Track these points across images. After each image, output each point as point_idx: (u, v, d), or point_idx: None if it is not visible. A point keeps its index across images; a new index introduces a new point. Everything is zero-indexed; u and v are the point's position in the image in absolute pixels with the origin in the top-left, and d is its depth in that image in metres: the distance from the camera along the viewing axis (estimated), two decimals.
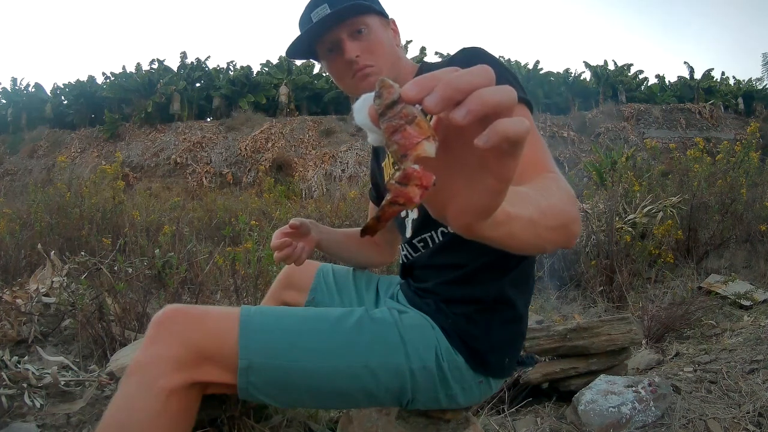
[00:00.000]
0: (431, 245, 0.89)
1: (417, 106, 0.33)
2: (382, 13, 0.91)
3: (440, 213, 0.40)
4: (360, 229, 0.38)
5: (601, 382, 1.48)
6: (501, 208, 0.39)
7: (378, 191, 1.11)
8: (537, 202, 0.48)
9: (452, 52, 0.82)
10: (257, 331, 0.75)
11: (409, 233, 0.92)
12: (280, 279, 1.14)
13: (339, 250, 1.11)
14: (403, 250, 0.99)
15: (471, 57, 0.77)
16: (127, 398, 0.68)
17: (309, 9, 0.89)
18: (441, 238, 0.88)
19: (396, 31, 0.94)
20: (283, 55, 16.20)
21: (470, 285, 0.82)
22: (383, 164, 1.01)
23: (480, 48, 0.80)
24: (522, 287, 0.86)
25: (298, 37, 0.90)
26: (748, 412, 1.33)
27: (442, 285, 0.86)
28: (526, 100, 0.73)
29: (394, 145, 0.33)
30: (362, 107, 0.37)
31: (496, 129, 0.31)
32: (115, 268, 2.38)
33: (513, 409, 1.57)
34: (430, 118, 0.35)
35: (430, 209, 0.40)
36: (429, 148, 0.32)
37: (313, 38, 0.89)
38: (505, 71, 0.73)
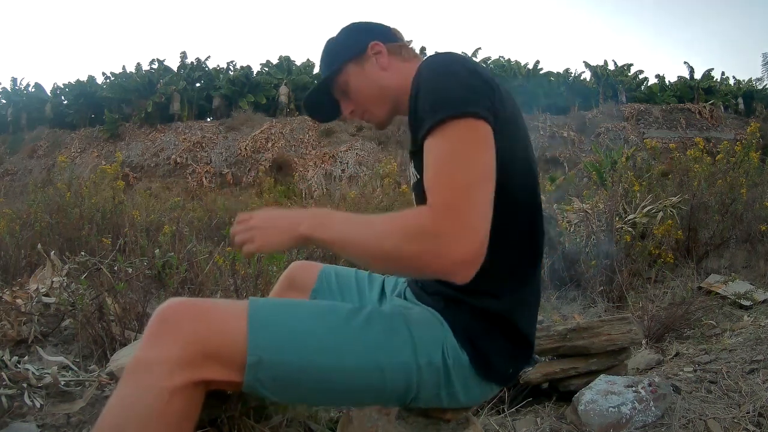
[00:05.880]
0: None
1: None
2: (355, 55, 0.90)
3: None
4: None
5: (601, 382, 1.48)
6: (325, 223, 0.75)
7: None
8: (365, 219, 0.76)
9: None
10: (267, 326, 0.73)
11: None
12: (283, 280, 1.14)
13: None
14: None
15: (418, 74, 0.78)
16: (128, 397, 0.66)
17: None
18: None
19: (379, 52, 0.90)
20: (283, 54, 16.16)
21: (474, 297, 0.82)
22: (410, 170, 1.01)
23: (422, 66, 0.79)
24: (525, 308, 0.86)
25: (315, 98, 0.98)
26: (748, 412, 1.33)
27: (448, 290, 0.86)
28: (465, 112, 0.70)
29: None
30: None
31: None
32: (115, 268, 2.38)
33: (513, 409, 1.57)
34: None
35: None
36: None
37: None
38: (433, 89, 0.73)
